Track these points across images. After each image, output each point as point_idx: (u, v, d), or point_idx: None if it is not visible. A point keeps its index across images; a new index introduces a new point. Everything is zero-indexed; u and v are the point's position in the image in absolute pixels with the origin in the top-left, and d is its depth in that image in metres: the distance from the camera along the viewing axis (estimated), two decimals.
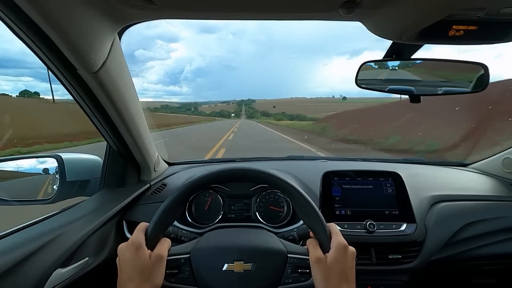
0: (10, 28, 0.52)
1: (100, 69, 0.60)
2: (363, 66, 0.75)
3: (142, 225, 0.66)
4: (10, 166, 1.00)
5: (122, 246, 0.63)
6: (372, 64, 0.75)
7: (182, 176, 1.28)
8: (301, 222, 0.98)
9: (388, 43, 0.72)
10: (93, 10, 0.50)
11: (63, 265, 0.73)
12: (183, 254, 0.68)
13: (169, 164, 1.46)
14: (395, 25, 0.57)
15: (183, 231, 0.95)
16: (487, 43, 0.61)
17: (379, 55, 0.79)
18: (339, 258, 0.61)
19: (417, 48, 0.73)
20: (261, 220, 1.07)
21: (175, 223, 0.99)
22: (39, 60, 0.64)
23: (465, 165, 1.51)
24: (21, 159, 1.01)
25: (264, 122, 51.43)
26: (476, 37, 0.58)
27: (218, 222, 1.07)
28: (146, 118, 1.03)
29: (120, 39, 0.65)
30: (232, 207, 1.12)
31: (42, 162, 1.06)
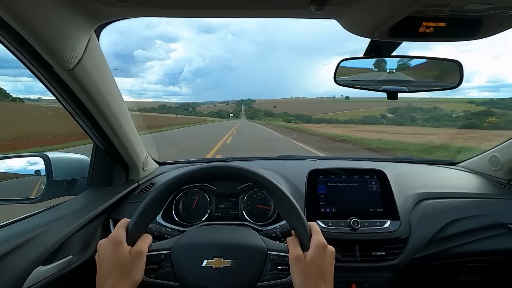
0: None
1: (75, 66, 0.61)
2: (341, 63, 0.76)
3: (124, 221, 0.67)
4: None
5: (102, 242, 0.63)
6: (351, 62, 0.76)
7: (171, 176, 1.28)
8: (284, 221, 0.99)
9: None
10: (64, 8, 0.51)
11: (45, 263, 0.73)
12: (163, 250, 0.68)
13: (160, 163, 1.46)
14: (366, 22, 0.58)
15: (167, 229, 0.95)
16: (458, 40, 0.62)
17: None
18: (318, 257, 0.62)
19: (395, 45, 0.74)
20: (248, 219, 1.08)
21: (160, 221, 1.00)
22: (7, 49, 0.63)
23: (454, 164, 1.52)
24: (7, 158, 1.02)
25: (271, 125, 39.38)
26: (446, 34, 0.59)
27: (205, 221, 1.08)
28: (133, 119, 1.03)
29: (98, 37, 0.66)
30: (220, 206, 1.13)
31: (32, 163, 1.07)
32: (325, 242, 0.64)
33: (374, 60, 0.77)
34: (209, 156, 7.97)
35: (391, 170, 1.11)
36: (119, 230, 0.64)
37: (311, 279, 0.60)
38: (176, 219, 1.07)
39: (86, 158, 1.13)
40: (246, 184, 1.13)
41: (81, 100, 0.74)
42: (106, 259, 0.60)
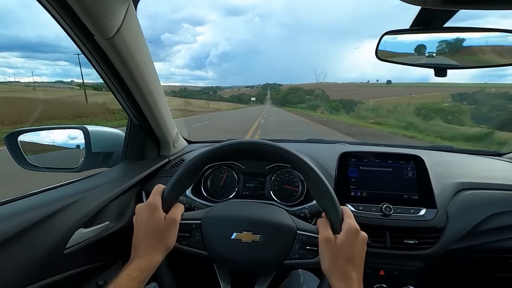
0: None
1: (115, 35, 0.62)
2: (384, 36, 0.70)
3: (159, 188, 0.69)
4: (42, 135, 1.08)
5: (140, 206, 0.66)
6: (395, 35, 0.70)
7: None
8: (314, 202, 0.97)
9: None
10: None
11: (85, 226, 0.78)
12: (195, 220, 0.70)
13: (189, 142, 1.49)
14: None
15: (197, 203, 0.97)
16: None
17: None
18: (349, 241, 0.60)
19: (448, 16, 0.67)
20: (275, 198, 1.08)
21: (190, 195, 1.03)
22: (73, 45, 0.67)
23: (500, 155, 1.39)
24: (52, 129, 1.08)
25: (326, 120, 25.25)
26: None
27: (232, 198, 1.09)
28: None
29: (136, 8, 0.66)
30: (247, 184, 1.13)
31: (72, 137, 1.13)
32: (358, 227, 0.62)
33: (421, 33, 0.70)
34: None
35: (429, 158, 1.04)
36: (155, 196, 0.66)
37: (340, 262, 0.59)
38: (205, 194, 1.09)
39: (121, 132, 1.17)
40: (274, 164, 1.12)
41: (118, 72, 0.76)
42: (143, 223, 0.63)
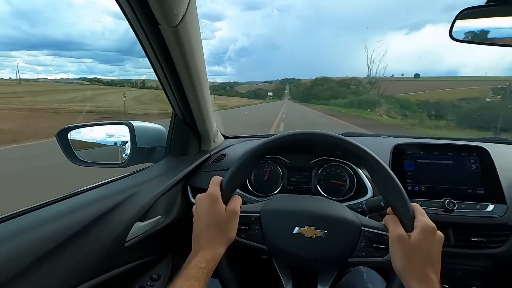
0: None
1: (179, 23, 0.61)
2: (462, 14, 0.64)
3: (217, 179, 0.67)
4: (89, 131, 1.10)
5: (200, 196, 0.64)
6: (471, 11, 0.64)
7: (239, 148, 1.29)
8: (369, 195, 0.92)
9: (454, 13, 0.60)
10: None
11: (141, 219, 0.78)
12: (253, 213, 0.68)
13: (226, 137, 1.48)
14: None
15: (247, 197, 0.95)
16: None
17: (445, 28, 0.66)
18: (426, 240, 0.55)
19: None
20: (322, 193, 1.04)
21: (238, 190, 1.01)
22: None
23: None
24: (98, 125, 1.10)
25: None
26: None
27: (277, 193, 1.06)
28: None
29: None
30: (291, 179, 1.10)
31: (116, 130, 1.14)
32: (434, 226, 0.57)
33: (500, 10, 0.63)
34: None
35: (488, 149, 0.96)
36: (215, 187, 0.64)
37: (417, 263, 0.54)
38: (251, 189, 1.07)
39: (162, 128, 1.18)
40: (320, 158, 1.08)
41: (174, 63, 0.75)
42: (204, 213, 0.62)
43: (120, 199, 0.73)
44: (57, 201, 0.68)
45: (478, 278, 0.91)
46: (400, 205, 0.61)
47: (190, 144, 1.15)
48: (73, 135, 1.06)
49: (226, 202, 0.65)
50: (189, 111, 0.99)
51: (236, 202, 0.66)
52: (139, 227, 0.77)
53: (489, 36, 0.65)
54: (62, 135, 1.03)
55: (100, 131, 1.12)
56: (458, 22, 0.65)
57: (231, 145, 1.34)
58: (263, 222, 0.67)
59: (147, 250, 0.84)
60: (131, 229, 0.73)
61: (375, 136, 1.43)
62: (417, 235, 0.56)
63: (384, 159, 0.99)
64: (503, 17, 0.64)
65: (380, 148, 1.04)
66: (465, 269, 0.90)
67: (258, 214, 0.68)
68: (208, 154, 1.18)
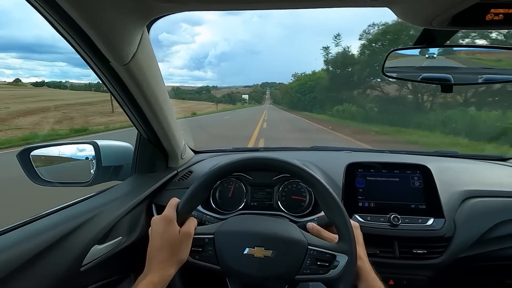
0: (50, 22, 0.56)
1: (130, 61, 0.64)
2: (391, 53, 0.72)
3: (174, 201, 0.71)
4: (52, 151, 1.10)
5: (155, 219, 0.68)
6: (401, 51, 0.72)
7: (207, 164, 1.32)
8: (322, 212, 0.98)
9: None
10: (123, 6, 0.53)
11: (100, 242, 0.80)
12: (208, 234, 0.72)
13: (195, 152, 1.51)
14: (425, 10, 0.54)
15: (207, 216, 0.99)
16: None
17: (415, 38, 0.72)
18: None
19: (451, 34, 0.69)
20: (283, 209, 1.09)
21: (200, 208, 1.04)
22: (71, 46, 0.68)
23: (504, 159, 1.40)
24: (63, 145, 1.10)
25: None
26: None
27: (241, 210, 1.10)
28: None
29: (148, 32, 0.68)
30: (255, 195, 1.14)
31: (81, 150, 1.15)
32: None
33: (426, 50, 0.72)
34: None
35: (435, 165, 1.05)
36: (170, 210, 0.68)
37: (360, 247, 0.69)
38: (214, 207, 1.11)
39: (130, 146, 1.19)
40: (281, 175, 1.13)
41: (131, 93, 0.78)
42: (158, 235, 0.65)
43: (79, 222, 0.75)
44: (12, 229, 0.69)
45: (423, 287, 0.99)
46: (341, 223, 0.67)
47: (156, 161, 1.17)
48: (36, 155, 1.06)
49: (181, 224, 0.69)
50: (152, 131, 1.02)
51: (191, 224, 0.70)
52: (97, 250, 0.78)
53: (417, 73, 0.73)
54: (23, 155, 1.02)
55: (65, 151, 1.12)
56: (389, 61, 0.73)
57: (199, 161, 1.37)
58: (216, 244, 0.71)
59: (107, 272, 0.86)
60: (88, 254, 0.75)
61: (339, 151, 1.51)
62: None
63: (339, 175, 1.06)
64: (429, 57, 0.73)
65: (337, 164, 1.12)
66: (410, 278, 0.98)
67: (212, 236, 0.72)
68: (176, 171, 1.20)
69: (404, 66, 0.74)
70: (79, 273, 0.73)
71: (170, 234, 0.65)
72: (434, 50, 0.71)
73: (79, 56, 0.70)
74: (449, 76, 0.70)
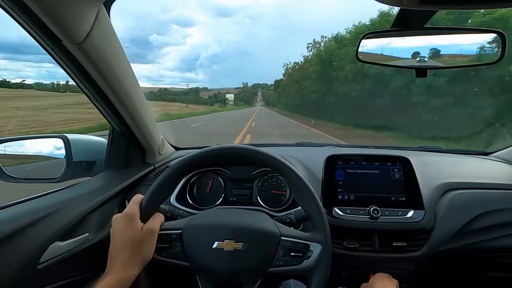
0: None
1: (84, 40, 0.60)
2: (365, 37, 0.69)
3: (137, 198, 0.67)
4: (18, 145, 1.04)
5: (116, 217, 0.64)
6: (376, 35, 0.70)
7: None
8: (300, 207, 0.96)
9: None
10: None
11: (61, 239, 0.75)
12: (175, 230, 0.68)
13: (177, 148, 1.46)
14: None
15: (180, 211, 0.95)
16: (504, 7, 0.55)
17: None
18: None
19: (427, 17, 0.67)
20: (262, 204, 1.06)
21: (174, 202, 1.00)
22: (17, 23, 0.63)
23: (487, 154, 1.40)
24: (29, 139, 1.05)
25: None
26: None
27: (219, 205, 1.07)
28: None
29: (109, 12, 0.64)
30: (234, 191, 1.11)
31: (50, 144, 1.09)
32: None
33: (401, 34, 0.70)
34: None
35: (416, 159, 1.04)
36: (132, 206, 0.64)
37: None
38: (190, 202, 1.07)
39: (104, 140, 1.14)
40: (261, 169, 1.10)
41: (92, 77, 0.73)
42: (118, 234, 0.62)
43: (36, 217, 0.70)
44: None
45: (404, 281, 0.96)
46: (315, 213, 0.64)
47: (131, 157, 1.12)
48: (1, 149, 1.00)
49: (145, 220, 0.65)
50: (125, 124, 0.98)
51: (155, 220, 0.66)
52: (58, 247, 0.73)
53: (391, 59, 0.71)
54: None
55: (32, 145, 1.07)
56: (363, 45, 0.70)
57: (180, 157, 1.33)
58: (184, 239, 0.67)
59: (72, 270, 0.81)
60: (47, 250, 0.70)
61: (323, 146, 1.49)
62: None
63: (321, 169, 1.04)
64: (404, 42, 0.71)
65: (319, 158, 1.09)
66: (391, 272, 0.95)
67: (180, 231, 0.68)
68: (152, 167, 1.16)
69: (376, 52, 0.72)
70: (35, 271, 0.68)
71: (132, 232, 0.62)
72: (407, 34, 0.69)
73: None
74: (420, 61, 0.68)
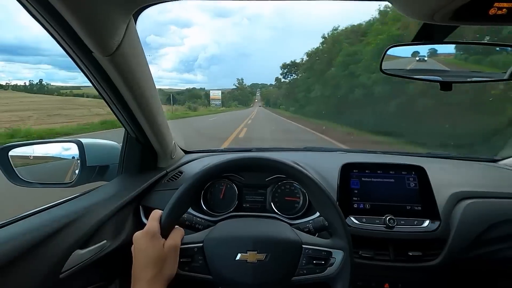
0: (28, 10, 0.52)
1: (115, 52, 0.60)
2: (389, 50, 0.70)
3: (156, 213, 0.66)
4: (33, 150, 1.04)
5: (137, 235, 0.63)
6: (400, 48, 0.70)
7: (198, 165, 1.28)
8: (317, 214, 0.96)
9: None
10: None
11: (82, 247, 0.75)
12: (196, 243, 0.68)
13: (186, 152, 1.46)
14: (427, 3, 0.52)
15: (198, 219, 0.95)
16: None
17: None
18: None
19: (450, 30, 0.67)
20: (276, 211, 1.06)
21: (190, 210, 1.00)
22: (55, 47, 0.64)
23: (495, 161, 1.41)
24: (44, 143, 1.05)
25: None
26: None
27: (232, 211, 1.07)
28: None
29: (135, 22, 0.64)
30: (247, 197, 1.11)
31: (65, 149, 1.09)
32: None
33: (425, 46, 0.70)
34: None
35: (428, 166, 1.04)
36: (153, 223, 0.64)
37: None
38: (205, 208, 1.07)
39: (117, 145, 1.14)
40: (274, 175, 1.10)
41: (117, 87, 0.73)
42: (141, 253, 0.61)
43: (58, 226, 0.70)
44: None
45: None
46: (336, 222, 0.64)
47: (145, 161, 1.12)
48: (15, 153, 1.00)
49: (166, 236, 0.64)
50: (140, 130, 0.97)
51: (177, 235, 0.65)
52: (79, 255, 0.73)
53: (415, 71, 0.72)
54: (1, 154, 0.96)
55: (47, 150, 1.06)
56: (387, 57, 0.71)
57: (190, 161, 1.33)
58: (206, 252, 0.67)
59: (91, 278, 0.81)
60: (69, 259, 0.70)
61: (333, 151, 1.49)
62: None
63: (334, 176, 1.04)
64: (426, 57, 0.71)
65: (332, 165, 1.10)
66: (405, 281, 0.96)
67: (201, 244, 0.68)
68: (165, 172, 1.16)
69: (402, 64, 0.72)
70: (58, 280, 0.68)
71: (154, 249, 0.61)
72: (433, 47, 0.69)
73: (64, 59, 0.66)
74: (444, 76, 0.68)
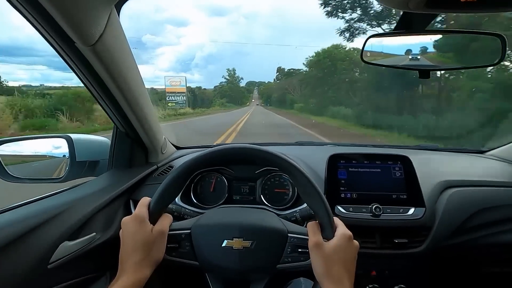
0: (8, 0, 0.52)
1: (97, 42, 0.61)
2: (369, 40, 0.71)
3: (145, 200, 0.67)
4: (21, 145, 1.04)
5: (126, 219, 0.64)
6: (379, 38, 0.71)
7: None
8: (305, 205, 0.97)
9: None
10: None
11: (70, 239, 0.75)
12: (184, 230, 0.69)
13: (178, 148, 1.47)
14: None
15: (187, 210, 0.96)
16: (506, 11, 0.57)
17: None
18: (343, 246, 0.61)
19: (429, 19, 0.69)
20: (266, 203, 1.07)
21: (179, 202, 1.01)
22: (50, 48, 0.65)
23: (482, 152, 1.44)
24: (32, 139, 1.05)
25: None
26: (493, 4, 0.53)
27: (222, 204, 1.08)
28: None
29: (119, 13, 0.65)
30: (237, 190, 1.12)
31: (56, 147, 1.09)
32: (351, 234, 0.63)
33: (405, 36, 0.72)
34: None
35: (416, 157, 1.06)
36: (141, 209, 0.65)
37: (335, 267, 0.59)
38: (195, 201, 1.08)
39: (107, 140, 1.14)
40: (264, 168, 1.11)
41: (102, 79, 0.74)
42: (129, 236, 0.62)
43: (45, 218, 0.70)
44: None
45: (404, 276, 0.99)
46: (322, 211, 0.66)
47: (135, 156, 1.12)
48: (2, 149, 1.00)
49: (154, 222, 0.65)
50: (129, 124, 0.98)
51: (164, 221, 0.67)
52: (68, 246, 0.74)
53: (395, 60, 0.73)
54: None
55: (35, 145, 1.06)
56: (368, 47, 0.72)
57: (181, 156, 1.34)
58: (193, 238, 0.68)
59: (80, 270, 0.81)
60: (57, 250, 0.70)
61: (323, 145, 1.51)
62: (336, 241, 0.61)
63: (323, 168, 1.05)
64: (408, 43, 0.73)
65: (321, 157, 1.11)
66: (392, 268, 0.98)
67: (189, 231, 0.69)
68: (155, 166, 1.17)
69: (382, 52, 0.74)
70: (46, 270, 0.68)
71: (143, 234, 0.62)
72: (411, 36, 0.71)
73: (59, 60, 0.66)
74: (423, 63, 0.70)
